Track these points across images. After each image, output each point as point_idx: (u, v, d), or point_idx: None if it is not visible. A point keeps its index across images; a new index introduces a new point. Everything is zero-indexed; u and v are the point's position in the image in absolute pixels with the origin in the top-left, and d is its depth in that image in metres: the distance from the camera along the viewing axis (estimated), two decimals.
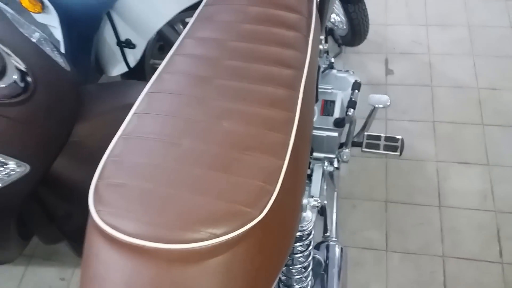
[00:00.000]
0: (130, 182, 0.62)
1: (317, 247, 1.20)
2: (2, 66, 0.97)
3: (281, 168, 0.62)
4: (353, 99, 1.24)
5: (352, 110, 1.23)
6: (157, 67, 0.80)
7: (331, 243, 1.21)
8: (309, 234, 0.84)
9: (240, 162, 0.62)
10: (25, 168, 1.01)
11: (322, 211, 1.26)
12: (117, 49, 1.62)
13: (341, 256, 1.20)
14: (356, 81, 1.28)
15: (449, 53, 2.07)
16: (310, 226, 0.82)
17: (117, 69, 1.67)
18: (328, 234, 1.25)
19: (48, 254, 1.70)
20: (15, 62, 1.01)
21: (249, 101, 0.70)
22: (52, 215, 1.21)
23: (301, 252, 0.87)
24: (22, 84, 0.99)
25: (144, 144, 0.66)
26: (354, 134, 1.44)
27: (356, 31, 1.90)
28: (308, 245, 0.85)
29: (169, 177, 0.61)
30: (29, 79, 1.01)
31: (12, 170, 1.00)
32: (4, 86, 0.97)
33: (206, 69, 0.76)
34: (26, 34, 1.13)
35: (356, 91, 1.26)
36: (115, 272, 0.57)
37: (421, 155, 1.78)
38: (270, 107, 0.70)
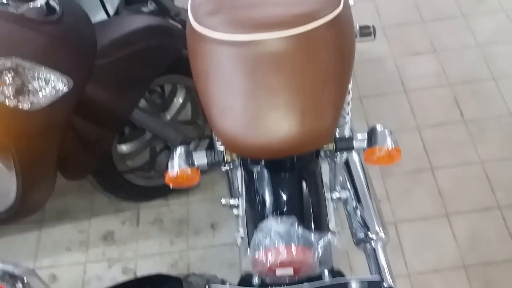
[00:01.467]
0: None
1: None
2: None
3: None
4: None
5: None
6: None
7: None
8: None
9: None
10: (68, 82, 1.13)
11: None
12: None
13: None
14: None
15: None
16: None
17: (97, 17, 1.65)
18: None
19: (59, 215, 1.80)
20: None
21: None
22: (84, 141, 1.30)
23: None
24: (52, 5, 1.13)
25: None
26: None
27: None
28: None
29: None
30: (53, 3, 1.14)
31: (57, 86, 1.12)
32: (38, 6, 1.10)
33: None
34: None
35: None
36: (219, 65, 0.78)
37: (380, 55, 2.07)
38: None
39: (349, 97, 1.03)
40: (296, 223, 0.74)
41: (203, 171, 0.90)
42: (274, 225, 0.72)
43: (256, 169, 0.89)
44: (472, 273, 1.56)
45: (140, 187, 1.63)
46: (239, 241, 1.14)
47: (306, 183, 0.89)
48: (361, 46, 2.07)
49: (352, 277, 0.74)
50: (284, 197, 0.85)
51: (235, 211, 1.20)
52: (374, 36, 1.62)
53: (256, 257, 0.71)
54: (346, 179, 1.29)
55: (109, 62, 1.24)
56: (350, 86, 0.96)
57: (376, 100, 1.95)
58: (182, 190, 1.81)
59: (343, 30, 0.85)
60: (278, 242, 0.70)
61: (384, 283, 1.10)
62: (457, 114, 1.87)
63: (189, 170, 0.82)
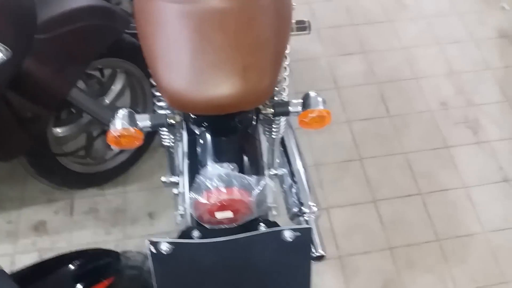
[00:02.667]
0: None
1: None
2: None
3: None
4: None
5: None
6: None
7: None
8: None
9: None
10: (6, 52, 1.09)
11: None
12: None
13: None
14: None
15: None
16: None
17: None
18: None
19: None
20: None
21: None
22: (19, 117, 1.27)
23: None
24: None
25: None
26: None
27: None
28: None
29: None
30: None
31: None
32: None
33: None
34: None
35: None
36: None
37: (314, 54, 2.18)
38: None
39: (286, 62, 1.09)
40: (236, 169, 0.78)
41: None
42: (215, 170, 0.76)
43: (199, 129, 0.92)
44: (397, 254, 1.67)
45: (75, 173, 1.60)
46: (178, 218, 1.16)
47: (246, 144, 0.94)
48: (297, 46, 2.20)
49: (285, 226, 0.79)
50: (225, 152, 0.89)
51: (174, 190, 1.22)
52: (309, 30, 1.72)
53: (198, 199, 0.74)
54: (284, 159, 1.36)
55: (49, 38, 1.23)
56: (287, 51, 1.03)
57: (338, 58, 2.07)
58: (118, 179, 1.80)
59: None
60: (219, 184, 0.74)
61: (316, 253, 1.16)
62: (383, 110, 2.01)
63: (131, 129, 0.84)
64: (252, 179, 0.78)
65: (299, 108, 0.96)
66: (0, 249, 1.66)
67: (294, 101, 0.98)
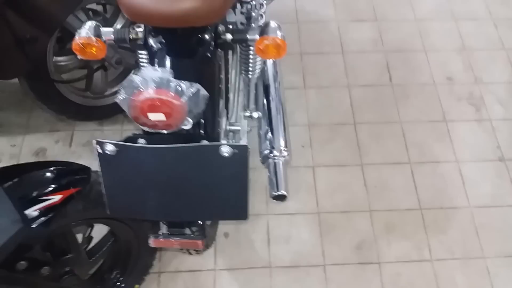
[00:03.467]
0: None
1: None
2: None
3: None
4: None
5: None
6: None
7: None
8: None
9: None
10: None
11: None
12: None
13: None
14: None
15: None
16: None
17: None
18: None
19: None
20: None
21: None
22: (18, 37, 1.33)
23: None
24: None
25: None
26: None
27: None
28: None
29: None
30: None
31: None
32: None
33: None
34: None
35: None
36: None
37: (325, 17, 2.18)
38: None
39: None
40: (171, 75, 0.82)
41: None
42: (149, 72, 0.80)
43: (157, 45, 0.96)
44: (376, 218, 1.69)
45: (73, 104, 1.68)
46: None
47: (203, 67, 0.97)
48: (309, 7, 2.20)
49: (223, 142, 0.83)
50: (181, 70, 0.92)
51: None
52: None
53: (128, 97, 0.79)
54: (263, 102, 1.39)
55: None
56: None
57: (315, 57, 2.06)
58: (117, 117, 1.87)
59: None
60: (150, 85, 0.78)
61: (277, 191, 1.20)
62: (386, 78, 2.00)
63: (93, 39, 0.89)
64: (184, 84, 0.81)
65: (256, 36, 0.98)
66: None
67: (253, 26, 1.01)
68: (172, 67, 0.92)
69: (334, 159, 1.80)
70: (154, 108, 0.78)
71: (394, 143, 1.84)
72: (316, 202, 1.71)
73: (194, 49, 0.96)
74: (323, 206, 1.71)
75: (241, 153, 0.83)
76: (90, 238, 1.29)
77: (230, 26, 1.03)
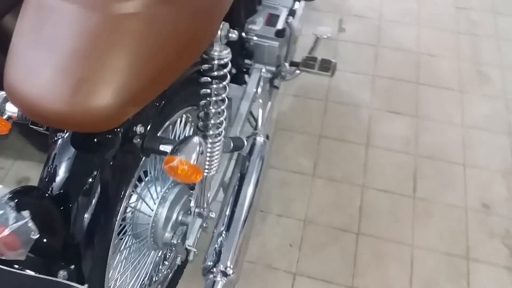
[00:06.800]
0: None
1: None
2: None
3: None
4: (293, 8, 1.37)
5: (291, 17, 1.35)
6: None
7: (257, 137, 1.33)
8: (226, 65, 0.94)
9: None
10: None
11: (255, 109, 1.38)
12: None
13: (263, 148, 1.31)
14: None
15: (398, 21, 2.24)
16: (228, 57, 0.92)
17: None
18: (256, 130, 1.37)
19: None
20: None
21: None
22: None
23: (217, 81, 0.95)
24: None
25: None
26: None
27: None
28: (224, 77, 0.95)
29: None
30: None
31: None
32: None
33: None
34: None
35: (297, 2, 1.38)
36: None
37: (358, 101, 1.93)
38: None
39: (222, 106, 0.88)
40: (10, 204, 0.63)
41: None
42: None
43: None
44: None
45: None
46: None
47: (102, 171, 0.77)
48: (343, 87, 1.96)
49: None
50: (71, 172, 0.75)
51: None
52: (332, 73, 1.50)
53: None
54: (229, 201, 1.16)
55: None
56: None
57: (334, 143, 1.80)
58: None
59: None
60: None
61: None
62: (409, 187, 1.69)
63: None
64: (11, 213, 0.61)
65: (168, 149, 0.79)
66: None
67: (168, 140, 0.80)
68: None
69: (321, 271, 1.51)
70: None
71: (397, 270, 1.52)
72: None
73: (91, 149, 0.78)
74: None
75: None
76: None
77: (143, 130, 0.83)
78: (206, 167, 1.03)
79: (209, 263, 1.03)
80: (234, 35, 0.88)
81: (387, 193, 1.68)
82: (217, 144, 1.03)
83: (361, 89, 1.97)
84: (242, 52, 1.38)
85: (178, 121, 1.09)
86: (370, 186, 1.69)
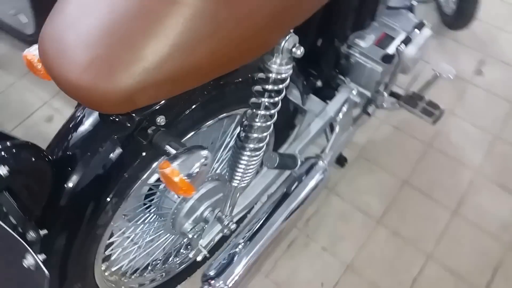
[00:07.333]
0: None
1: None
2: None
3: None
4: (409, 36, 1.16)
5: (403, 45, 1.15)
6: None
7: (319, 161, 1.18)
8: (283, 80, 0.81)
9: None
10: None
11: (331, 128, 1.22)
12: None
13: (322, 176, 1.16)
14: (421, 21, 1.19)
15: None
16: (288, 73, 0.80)
17: None
18: (321, 153, 1.21)
19: None
20: None
21: None
22: None
23: (271, 95, 0.84)
24: None
25: None
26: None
27: (463, 12, 1.77)
28: (279, 92, 0.83)
29: None
30: None
31: None
32: None
33: None
34: None
35: (417, 30, 1.17)
36: None
37: (465, 160, 1.64)
38: None
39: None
40: None
41: None
42: None
43: None
44: None
45: None
46: None
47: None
48: (454, 136, 1.69)
49: None
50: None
51: None
52: (435, 121, 1.28)
53: None
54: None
55: None
56: None
57: (417, 195, 1.56)
58: None
59: None
60: None
61: None
62: (484, 280, 1.40)
63: None
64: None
65: (172, 151, 0.71)
66: None
67: (175, 144, 0.70)
68: None
69: None
70: None
71: None
72: None
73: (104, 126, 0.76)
74: None
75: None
76: None
77: (163, 122, 0.77)
78: (237, 178, 0.93)
79: (210, 273, 0.94)
80: (299, 51, 0.76)
81: (453, 275, 1.42)
82: (254, 158, 0.91)
83: (474, 147, 1.67)
84: (337, 65, 1.22)
85: None
86: (438, 259, 1.44)
